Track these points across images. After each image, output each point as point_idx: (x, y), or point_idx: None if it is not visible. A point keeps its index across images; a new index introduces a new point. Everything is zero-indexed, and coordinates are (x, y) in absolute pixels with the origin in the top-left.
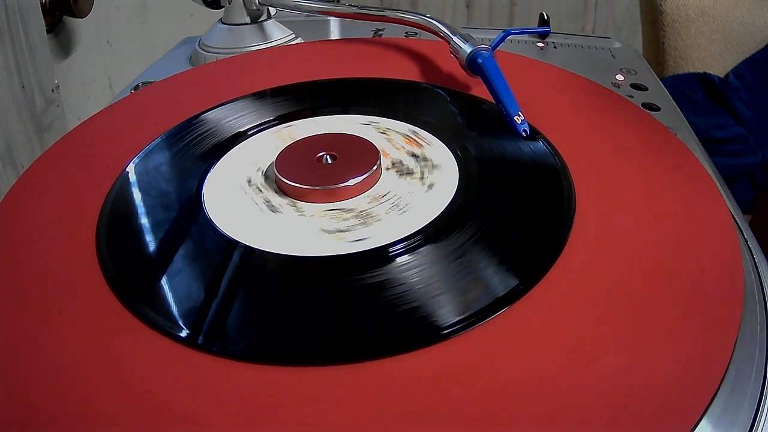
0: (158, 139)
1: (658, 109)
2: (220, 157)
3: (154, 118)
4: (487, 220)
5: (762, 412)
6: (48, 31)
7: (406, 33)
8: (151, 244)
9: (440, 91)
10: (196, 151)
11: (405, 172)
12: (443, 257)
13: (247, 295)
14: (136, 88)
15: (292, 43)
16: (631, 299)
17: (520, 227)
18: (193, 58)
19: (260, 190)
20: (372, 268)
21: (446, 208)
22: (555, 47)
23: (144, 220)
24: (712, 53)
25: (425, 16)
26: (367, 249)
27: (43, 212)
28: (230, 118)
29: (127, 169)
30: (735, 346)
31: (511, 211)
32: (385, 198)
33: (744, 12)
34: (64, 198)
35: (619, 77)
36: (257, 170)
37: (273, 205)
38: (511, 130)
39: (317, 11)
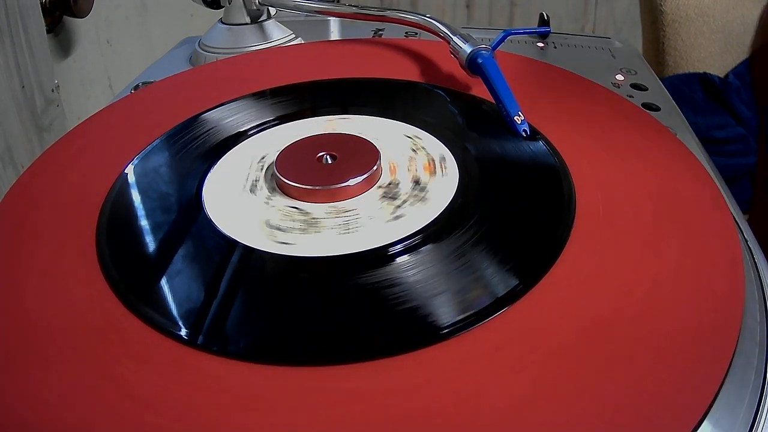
0: (158, 140)
1: (658, 109)
2: (220, 158)
3: (154, 118)
4: (487, 220)
5: (762, 412)
6: (48, 31)
7: (406, 33)
8: (152, 244)
9: (440, 91)
10: (196, 151)
11: (389, 196)
12: (443, 257)
13: (247, 295)
14: (136, 88)
15: (292, 43)
16: (631, 299)
17: (520, 227)
18: (193, 58)
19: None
20: (372, 268)
21: (446, 208)
22: (555, 47)
23: (144, 220)
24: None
25: (425, 16)
26: (366, 249)
27: (43, 212)
28: (230, 118)
29: (126, 169)
30: (735, 346)
31: (511, 211)
32: (346, 214)
33: (744, 12)
34: (64, 198)
35: (619, 77)
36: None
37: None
38: (511, 130)
39: (317, 11)
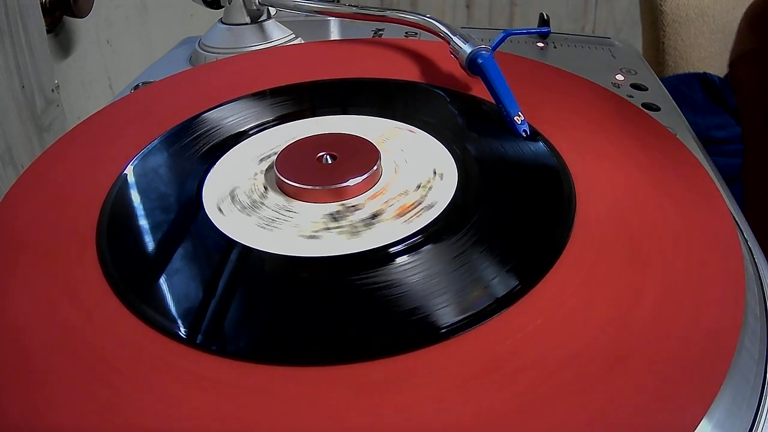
0: (158, 139)
1: (658, 109)
2: (220, 157)
3: (154, 118)
4: (487, 220)
5: (762, 412)
6: (48, 31)
7: (406, 33)
8: (152, 244)
9: (440, 91)
10: (196, 151)
11: (334, 217)
12: (443, 257)
13: (247, 295)
14: (136, 88)
15: (292, 43)
16: (631, 300)
17: (519, 228)
18: (193, 58)
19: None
20: (371, 269)
21: (446, 208)
22: (555, 47)
23: (144, 220)
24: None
25: (425, 16)
26: (366, 249)
27: (43, 212)
28: (230, 118)
29: (126, 169)
30: (736, 346)
31: (511, 212)
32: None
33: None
34: (64, 198)
35: (619, 77)
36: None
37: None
38: (511, 130)
39: (317, 11)
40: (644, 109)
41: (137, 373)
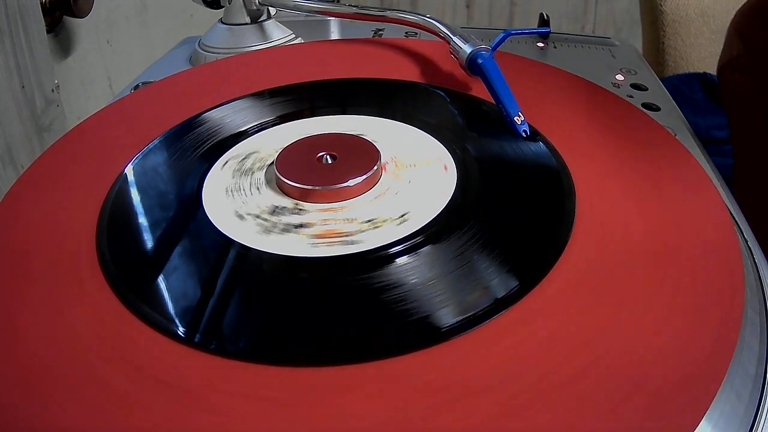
0: (158, 139)
1: (658, 109)
2: (220, 157)
3: (154, 117)
4: (487, 221)
5: (762, 412)
6: (48, 31)
7: (406, 33)
8: (153, 244)
9: (440, 91)
10: (196, 150)
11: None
12: (443, 258)
13: (246, 295)
14: (136, 88)
15: (292, 43)
16: (631, 300)
17: (520, 228)
18: (193, 58)
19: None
20: (370, 269)
21: (445, 208)
22: (555, 47)
23: (144, 220)
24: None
25: (425, 16)
26: (365, 250)
27: (43, 212)
28: (230, 118)
29: (126, 169)
30: (735, 346)
31: (511, 212)
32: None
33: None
34: (64, 197)
35: (619, 77)
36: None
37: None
38: (511, 130)
39: (317, 11)
40: (644, 109)
41: (137, 372)
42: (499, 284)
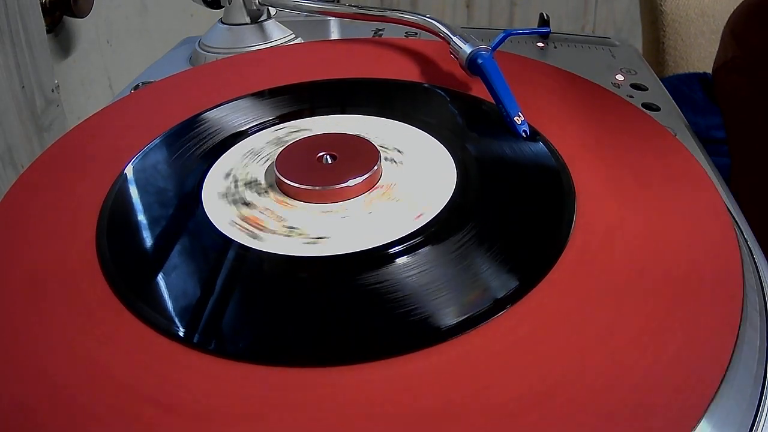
0: (158, 139)
1: (658, 109)
2: (220, 157)
3: (154, 117)
4: (487, 221)
5: (762, 412)
6: (48, 31)
7: (406, 33)
8: (153, 244)
9: (440, 91)
10: (196, 150)
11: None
12: (442, 258)
13: (245, 295)
14: (136, 88)
15: (292, 43)
16: (631, 300)
17: (519, 228)
18: (193, 58)
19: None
20: (369, 269)
21: (445, 208)
22: (555, 47)
23: (144, 220)
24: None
25: (425, 16)
26: (364, 249)
27: (43, 212)
28: (230, 118)
29: (126, 169)
30: (735, 346)
31: (511, 212)
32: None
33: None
34: (64, 198)
35: (619, 77)
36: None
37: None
38: (511, 130)
39: (317, 11)
40: (644, 109)
41: (136, 373)
42: (499, 284)
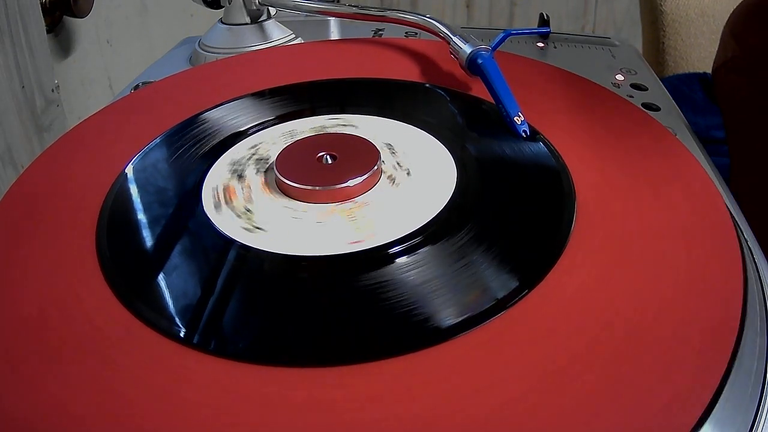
0: (158, 139)
1: (658, 109)
2: (220, 157)
3: (154, 117)
4: (487, 221)
5: (762, 412)
6: (48, 31)
7: (406, 33)
8: (153, 244)
9: (440, 91)
10: (196, 150)
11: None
12: (442, 258)
13: (245, 294)
14: (136, 88)
15: (292, 43)
16: (631, 300)
17: (519, 228)
18: (193, 58)
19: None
20: (369, 268)
21: (445, 208)
22: (555, 47)
23: (145, 220)
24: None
25: (425, 16)
26: (364, 249)
27: (43, 212)
28: (230, 117)
29: (126, 169)
30: (735, 346)
31: (511, 212)
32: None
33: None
34: (64, 198)
35: (619, 77)
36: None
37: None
38: (511, 130)
39: (317, 11)
40: (644, 109)
41: (136, 372)
42: (499, 284)
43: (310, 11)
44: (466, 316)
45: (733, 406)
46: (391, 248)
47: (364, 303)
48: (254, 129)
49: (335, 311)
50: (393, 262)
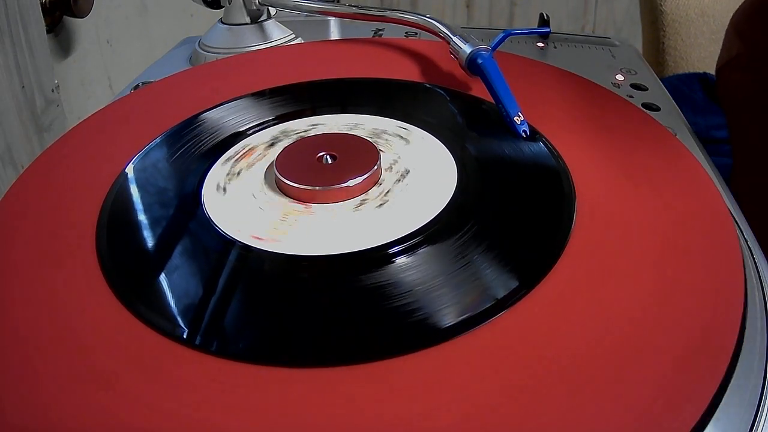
0: (158, 139)
1: (658, 109)
2: (220, 157)
3: (154, 117)
4: (487, 221)
5: (762, 412)
6: (48, 31)
7: (406, 33)
8: (153, 244)
9: (440, 91)
10: (196, 150)
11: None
12: (442, 258)
13: (246, 295)
14: (136, 88)
15: (292, 43)
16: (630, 301)
17: (520, 228)
18: (193, 58)
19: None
20: (369, 268)
21: (445, 208)
22: (555, 47)
23: (145, 220)
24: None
25: (425, 16)
26: (364, 249)
27: (42, 212)
28: (230, 118)
29: (127, 169)
30: (735, 346)
31: (511, 212)
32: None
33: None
34: (64, 197)
35: (619, 77)
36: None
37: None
38: (511, 130)
39: (317, 11)
40: (644, 109)
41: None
42: (499, 284)
43: (310, 11)
44: (466, 316)
45: (734, 406)
46: (392, 248)
47: (364, 303)
48: (254, 129)
49: (335, 311)
50: (393, 262)
